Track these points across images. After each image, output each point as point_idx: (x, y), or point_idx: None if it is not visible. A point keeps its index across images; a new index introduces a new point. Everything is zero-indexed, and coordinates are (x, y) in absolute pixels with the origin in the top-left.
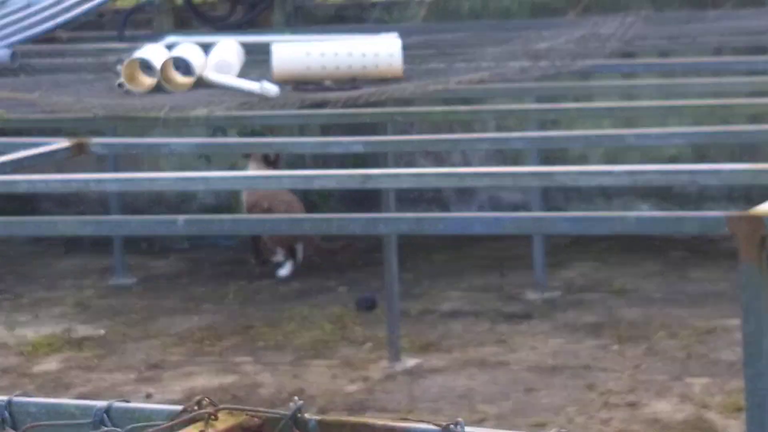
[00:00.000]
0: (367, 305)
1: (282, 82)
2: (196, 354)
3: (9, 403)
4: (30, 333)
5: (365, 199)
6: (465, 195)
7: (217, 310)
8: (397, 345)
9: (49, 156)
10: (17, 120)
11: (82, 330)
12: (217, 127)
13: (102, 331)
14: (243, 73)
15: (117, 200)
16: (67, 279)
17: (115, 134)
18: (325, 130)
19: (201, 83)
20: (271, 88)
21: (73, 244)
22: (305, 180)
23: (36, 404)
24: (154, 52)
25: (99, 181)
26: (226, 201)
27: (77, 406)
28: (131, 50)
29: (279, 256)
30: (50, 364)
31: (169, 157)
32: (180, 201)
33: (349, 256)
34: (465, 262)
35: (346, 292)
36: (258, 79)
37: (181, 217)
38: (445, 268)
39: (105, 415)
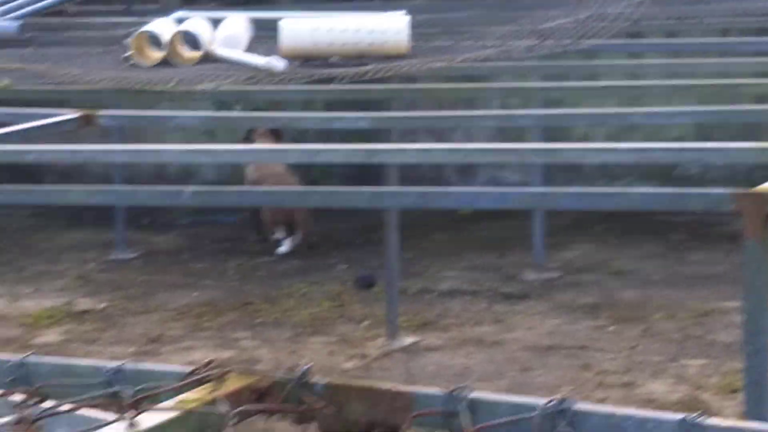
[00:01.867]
0: (366, 283)
1: (289, 58)
2: (195, 329)
3: (21, 363)
4: (31, 305)
5: (367, 177)
6: (466, 175)
7: (217, 286)
8: (395, 323)
9: (56, 127)
10: (25, 91)
11: (83, 303)
12: (222, 102)
13: (102, 305)
14: (251, 49)
15: (120, 174)
16: (69, 252)
17: (120, 107)
18: (330, 106)
19: (208, 58)
20: (277, 63)
21: (75, 218)
22: (310, 154)
23: (48, 364)
24: (163, 26)
25: (107, 152)
26: (228, 178)
27: (88, 366)
28: (139, 24)
29: (279, 234)
30: (51, 336)
31: (173, 133)
32: (182, 177)
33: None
34: (464, 242)
35: (345, 270)
36: (265, 54)
37: (188, 188)
38: (444, 247)
39: (116, 376)
